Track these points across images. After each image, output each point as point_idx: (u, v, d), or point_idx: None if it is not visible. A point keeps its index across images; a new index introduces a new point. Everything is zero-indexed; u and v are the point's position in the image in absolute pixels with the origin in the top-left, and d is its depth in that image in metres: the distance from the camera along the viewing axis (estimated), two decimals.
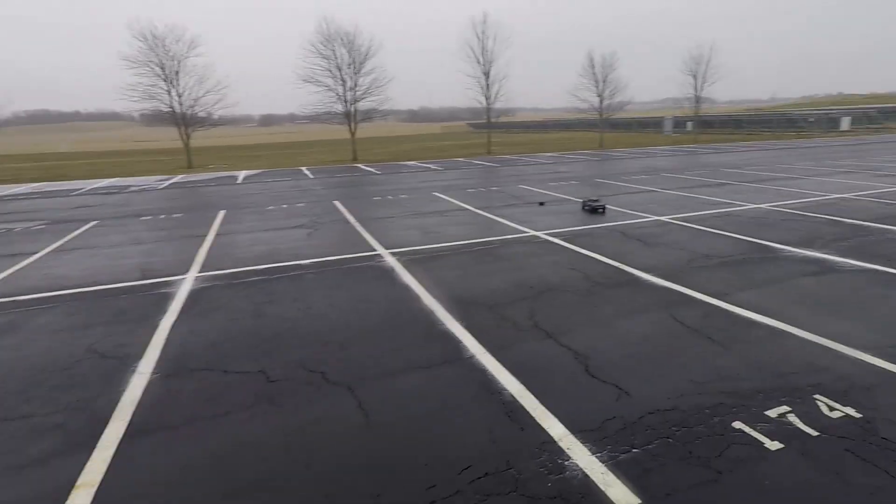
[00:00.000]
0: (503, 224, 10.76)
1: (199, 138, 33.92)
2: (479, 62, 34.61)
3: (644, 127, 69.33)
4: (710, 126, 59.76)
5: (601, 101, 40.71)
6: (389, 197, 15.29)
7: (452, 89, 43.27)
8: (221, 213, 13.36)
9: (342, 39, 30.34)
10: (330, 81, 30.92)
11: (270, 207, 14.16)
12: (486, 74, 35.05)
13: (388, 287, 6.86)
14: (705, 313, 5.59)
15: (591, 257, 7.95)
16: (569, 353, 4.72)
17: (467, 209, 12.75)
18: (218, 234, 10.79)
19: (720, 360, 4.49)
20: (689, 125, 59.69)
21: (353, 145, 32.98)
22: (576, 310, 5.82)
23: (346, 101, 31.59)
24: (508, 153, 34.54)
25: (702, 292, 6.24)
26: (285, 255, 8.68)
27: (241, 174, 25.30)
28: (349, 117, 32.12)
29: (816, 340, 4.81)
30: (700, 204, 12.41)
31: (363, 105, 32.56)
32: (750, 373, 4.24)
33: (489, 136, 37.52)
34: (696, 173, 18.95)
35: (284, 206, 14.41)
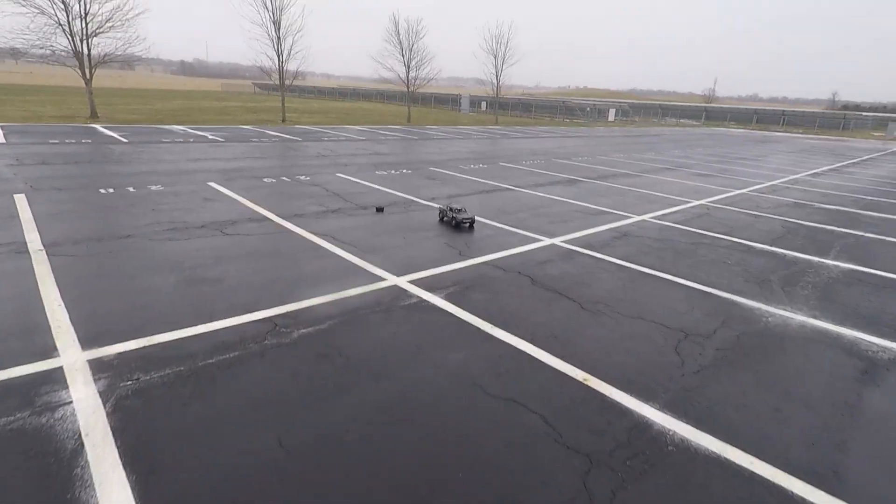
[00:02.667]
0: (332, 255, 6.47)
1: None
2: (266, 7, 28.01)
3: (441, 103, 68.98)
4: (504, 108, 61.81)
5: (408, 72, 37.52)
6: (131, 189, 9.46)
7: (234, 43, 35.45)
8: None
9: None
10: (42, 2, 21.33)
11: None
12: (276, 24, 28.66)
13: None
14: None
15: (525, 355, 4.30)
16: None
17: (266, 219, 8.02)
18: None
19: None
20: (485, 105, 61.05)
21: (90, 97, 23.85)
22: None
23: (72, 35, 22.28)
24: (308, 123, 29.12)
25: (807, 479, 3.10)
26: None
27: None
28: (80, 58, 22.88)
29: None
30: (577, 214, 9.79)
31: (102, 44, 23.52)
32: None
33: (283, 100, 31.28)
34: (533, 164, 16.86)
35: None
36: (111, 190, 9.25)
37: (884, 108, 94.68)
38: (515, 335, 4.59)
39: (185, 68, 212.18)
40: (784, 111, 74.53)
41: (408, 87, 38.02)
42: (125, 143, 16.01)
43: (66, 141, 15.30)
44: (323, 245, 6.85)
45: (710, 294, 6.02)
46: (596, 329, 4.87)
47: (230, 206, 8.67)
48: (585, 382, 3.93)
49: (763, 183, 15.89)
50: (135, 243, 6.41)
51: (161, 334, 4.16)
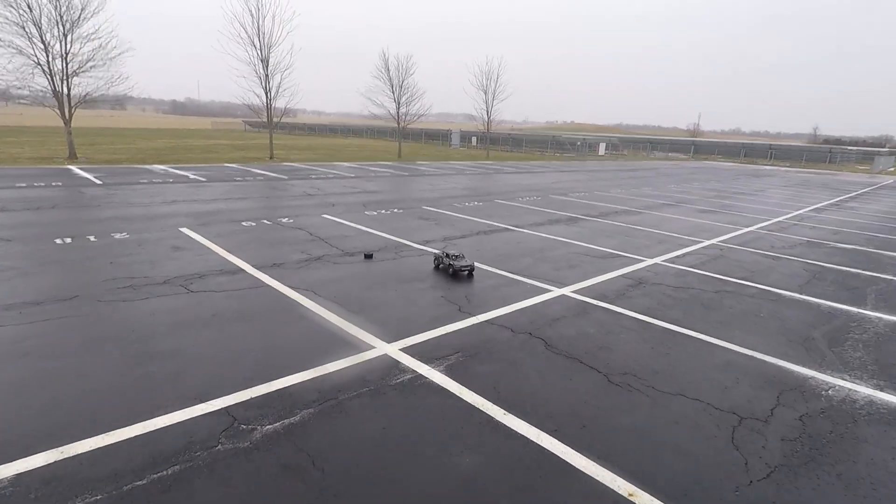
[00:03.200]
0: (312, 316, 5.58)
1: None
2: (254, 45, 27.74)
3: (432, 138, 69.19)
4: (494, 143, 62.01)
5: (398, 107, 37.35)
6: (91, 238, 8.56)
7: (225, 81, 35.23)
8: None
9: None
10: (21, 42, 20.79)
11: None
12: (265, 62, 28.39)
13: None
14: None
15: (551, 456, 3.39)
16: None
17: (240, 270, 7.13)
18: None
19: None
20: (475, 140, 61.28)
21: (69, 137, 23.12)
22: None
23: (52, 75, 21.69)
24: (296, 160, 28.51)
25: None
26: None
27: None
28: (60, 98, 22.25)
29: None
30: (584, 258, 9.00)
31: (84, 83, 22.91)
32: None
33: (271, 137, 30.76)
34: (530, 200, 16.19)
35: None
36: (69, 240, 8.33)
37: (863, 143, 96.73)
38: (535, 425, 3.69)
39: (177, 107, 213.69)
40: (771, 145, 75.34)
41: (398, 123, 37.80)
42: (98, 185, 15.16)
43: (35, 184, 14.42)
44: (302, 303, 5.95)
45: (753, 358, 5.18)
46: (631, 414, 3.98)
47: (200, 255, 7.77)
48: (632, 499, 3.02)
49: (769, 219, 15.29)
50: (80, 307, 5.48)
51: (80, 442, 3.21)
